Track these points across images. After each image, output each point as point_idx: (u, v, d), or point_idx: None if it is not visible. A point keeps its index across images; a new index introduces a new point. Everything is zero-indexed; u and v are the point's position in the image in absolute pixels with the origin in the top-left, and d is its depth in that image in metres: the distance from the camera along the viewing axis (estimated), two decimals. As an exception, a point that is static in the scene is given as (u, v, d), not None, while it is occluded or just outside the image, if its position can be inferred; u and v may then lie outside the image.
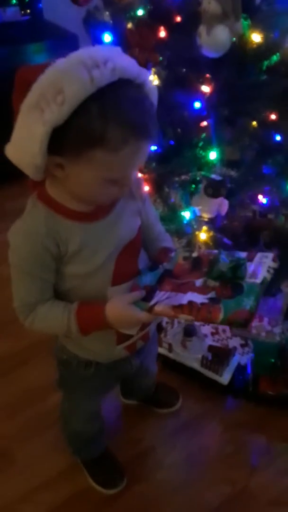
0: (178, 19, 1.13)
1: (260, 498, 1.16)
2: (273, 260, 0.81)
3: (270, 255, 0.82)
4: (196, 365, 1.41)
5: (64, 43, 2.13)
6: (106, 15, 1.28)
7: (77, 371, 0.97)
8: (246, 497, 1.17)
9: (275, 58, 1.05)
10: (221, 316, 0.73)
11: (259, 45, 1.04)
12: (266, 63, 1.06)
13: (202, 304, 0.76)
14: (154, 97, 0.73)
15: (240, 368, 1.41)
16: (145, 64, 1.19)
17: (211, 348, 1.43)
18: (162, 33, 1.21)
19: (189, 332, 1.43)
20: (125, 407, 1.37)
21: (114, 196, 0.78)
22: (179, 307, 0.77)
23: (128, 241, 0.83)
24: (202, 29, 1.01)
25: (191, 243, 1.25)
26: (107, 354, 0.94)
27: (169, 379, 1.40)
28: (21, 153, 0.69)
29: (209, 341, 1.46)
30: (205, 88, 1.15)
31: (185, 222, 1.33)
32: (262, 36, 1.04)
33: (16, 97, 0.68)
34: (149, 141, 0.71)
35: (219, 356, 1.40)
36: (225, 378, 1.38)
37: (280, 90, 1.08)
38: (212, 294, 0.77)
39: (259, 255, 0.82)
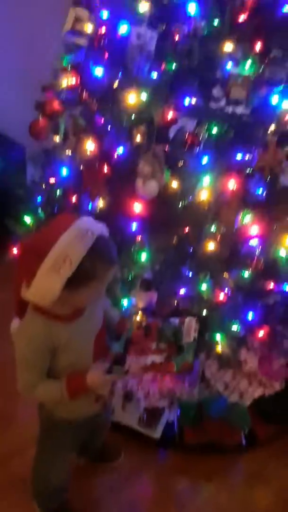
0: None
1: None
2: (196, 322, 1.26)
3: (194, 318, 1.27)
4: (134, 424, 1.75)
5: (11, 156, 2.39)
6: (65, 153, 1.70)
7: (62, 428, 1.28)
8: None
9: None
10: (174, 369, 1.14)
11: (176, 191, 1.52)
12: (182, 203, 1.54)
13: (161, 362, 1.16)
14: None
15: (169, 424, 1.77)
16: (96, 195, 1.61)
17: (145, 409, 1.78)
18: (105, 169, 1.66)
19: (127, 396, 1.77)
20: (78, 466, 1.64)
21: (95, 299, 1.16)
22: (146, 367, 1.16)
23: (99, 328, 1.21)
24: (139, 181, 1.47)
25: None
26: (87, 410, 1.27)
27: (112, 437, 1.71)
28: (42, 295, 1.04)
29: (143, 403, 1.81)
30: (140, 213, 1.59)
31: (124, 308, 1.73)
32: (178, 185, 1.52)
33: (26, 259, 1.05)
34: (117, 264, 1.13)
35: (152, 415, 1.75)
36: (157, 433, 1.73)
37: (192, 219, 1.56)
38: (165, 355, 1.18)
39: (187, 319, 1.26)
